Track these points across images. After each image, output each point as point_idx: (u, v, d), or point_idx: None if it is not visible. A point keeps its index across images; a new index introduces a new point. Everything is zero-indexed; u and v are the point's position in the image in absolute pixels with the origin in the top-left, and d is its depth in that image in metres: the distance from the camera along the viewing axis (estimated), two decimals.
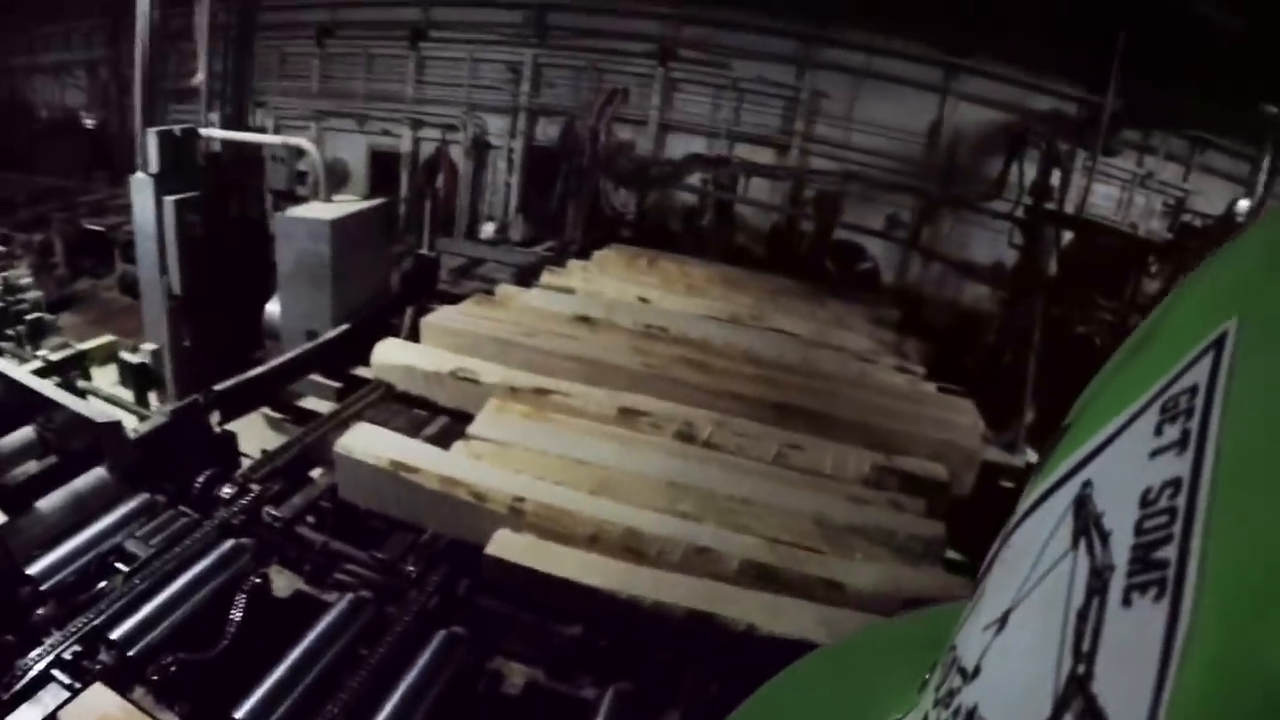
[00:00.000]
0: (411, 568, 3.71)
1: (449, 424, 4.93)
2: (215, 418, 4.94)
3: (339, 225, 5.96)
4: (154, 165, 6.63)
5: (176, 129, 6.85)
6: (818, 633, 3.25)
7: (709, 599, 3.37)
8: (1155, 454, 0.37)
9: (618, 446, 4.41)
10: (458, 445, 4.31)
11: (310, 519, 4.26)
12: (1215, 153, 10.11)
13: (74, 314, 9.94)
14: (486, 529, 3.73)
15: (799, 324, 6.57)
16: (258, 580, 3.71)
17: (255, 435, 5.31)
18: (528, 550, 3.56)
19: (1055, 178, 8.61)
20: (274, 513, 4.14)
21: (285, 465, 4.56)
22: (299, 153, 9.12)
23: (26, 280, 8.66)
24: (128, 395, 6.07)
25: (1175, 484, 0.35)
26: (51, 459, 4.88)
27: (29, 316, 6.34)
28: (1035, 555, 0.43)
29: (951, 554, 5.31)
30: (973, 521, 5.25)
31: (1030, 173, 8.73)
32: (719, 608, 3.33)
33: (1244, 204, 7.79)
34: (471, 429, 4.46)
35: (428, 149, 13.40)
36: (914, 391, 5.59)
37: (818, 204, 10.55)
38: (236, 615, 3.52)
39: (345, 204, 6.39)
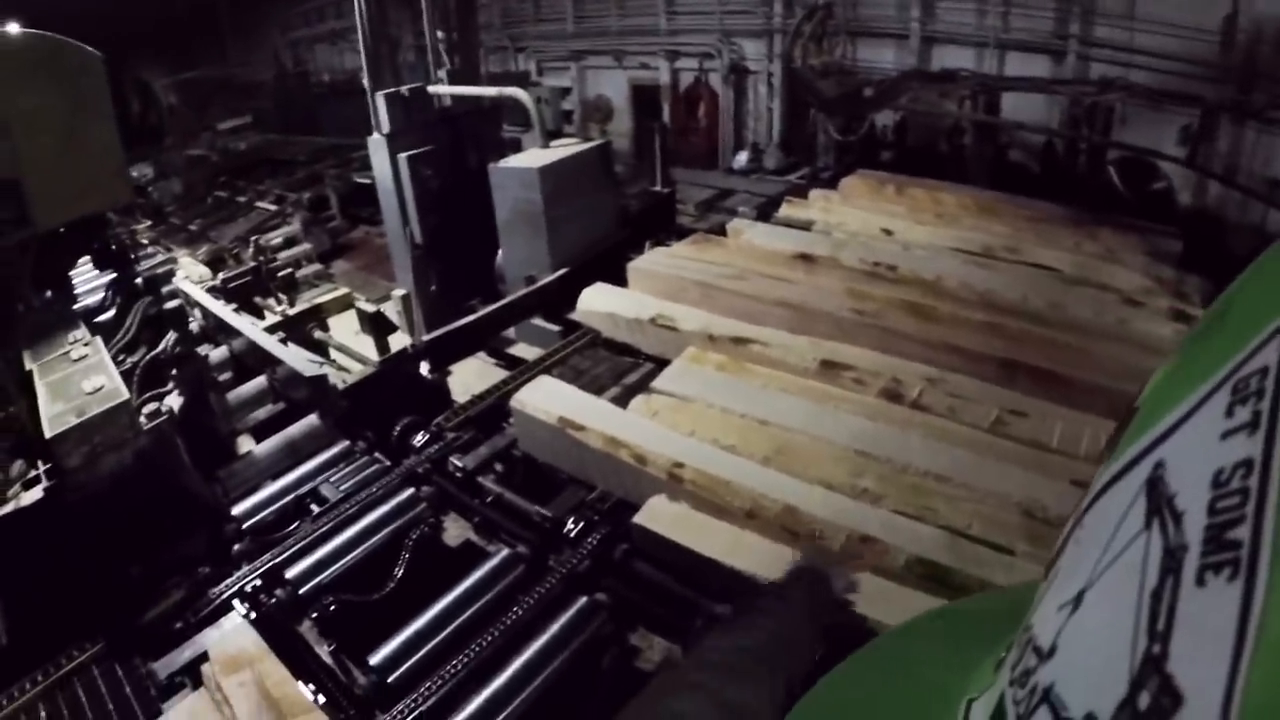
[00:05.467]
0: (571, 526, 3.58)
1: (652, 371, 4.72)
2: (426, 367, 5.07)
3: (549, 172, 5.85)
4: (386, 125, 6.97)
5: (404, 89, 7.11)
6: None
7: (865, 598, 2.87)
8: (1226, 435, 0.37)
9: (811, 405, 3.99)
10: (637, 400, 4.09)
11: (499, 467, 4.24)
12: None
13: (347, 260, 10.80)
14: (647, 492, 3.51)
15: (1060, 257, 5.68)
16: (426, 529, 3.78)
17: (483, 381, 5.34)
18: (676, 522, 3.29)
19: None
20: (457, 463, 4.16)
21: (480, 414, 4.56)
22: (564, 92, 9.18)
23: (296, 235, 9.54)
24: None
25: (1247, 465, 0.35)
26: (280, 405, 5.27)
27: (281, 273, 6.87)
28: (1109, 535, 0.43)
29: None
30: None
31: None
32: (873, 610, 2.83)
33: None
34: (657, 382, 4.23)
35: (687, 79, 13.17)
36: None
37: (1090, 116, 9.10)
38: (401, 562, 3.60)
39: (560, 149, 6.27)
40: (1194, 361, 0.44)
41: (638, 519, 3.34)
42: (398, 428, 4.47)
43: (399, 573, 3.57)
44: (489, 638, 3.10)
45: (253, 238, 7.89)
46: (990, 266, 5.48)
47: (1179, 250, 5.96)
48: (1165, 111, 8.66)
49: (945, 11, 10.80)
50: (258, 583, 3.51)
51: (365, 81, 7.53)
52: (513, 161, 6.19)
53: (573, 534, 3.54)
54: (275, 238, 9.79)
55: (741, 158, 11.75)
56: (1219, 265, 6.14)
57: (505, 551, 3.54)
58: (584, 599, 3.21)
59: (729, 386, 4.17)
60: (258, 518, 3.98)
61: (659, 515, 3.34)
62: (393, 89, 7.16)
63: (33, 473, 3.51)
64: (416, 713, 2.85)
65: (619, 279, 5.52)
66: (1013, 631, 0.56)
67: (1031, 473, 3.55)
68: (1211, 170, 8.21)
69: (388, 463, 4.25)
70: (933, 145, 9.70)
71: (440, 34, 7.76)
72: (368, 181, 9.55)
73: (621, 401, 4.23)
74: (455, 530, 3.90)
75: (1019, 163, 9.64)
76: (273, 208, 11.48)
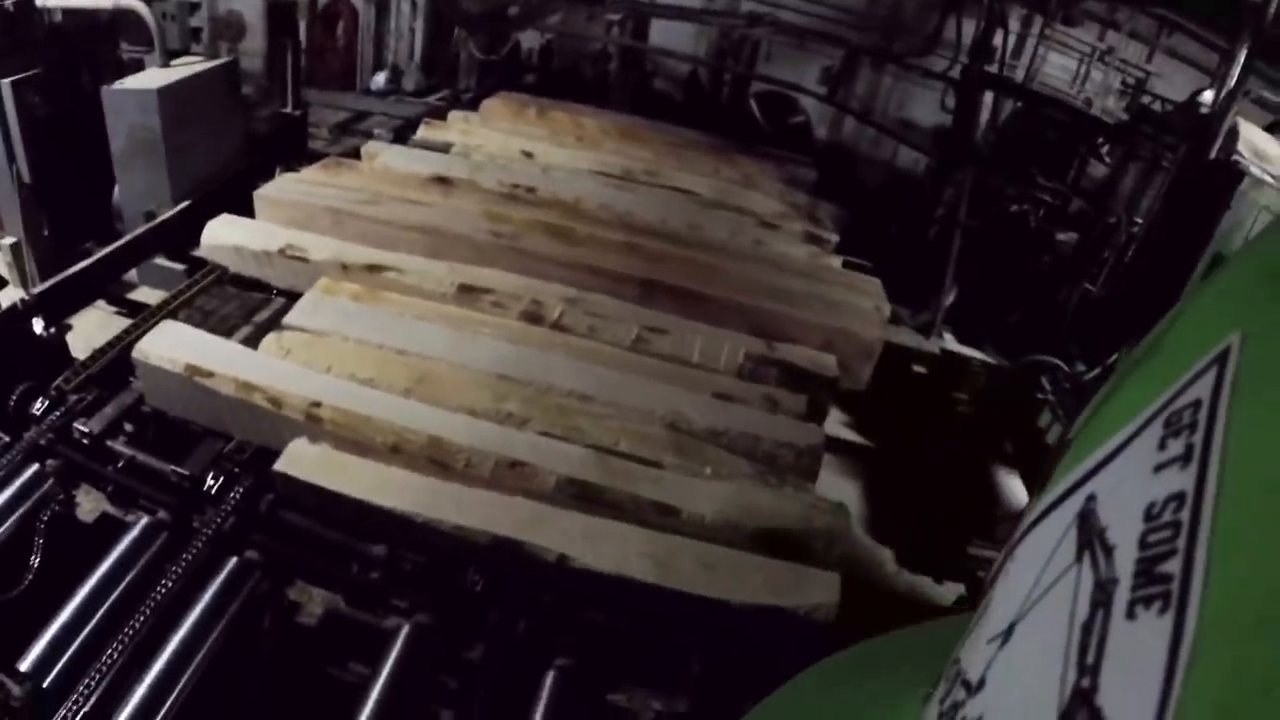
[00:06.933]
0: (211, 482, 3.41)
1: (284, 307, 4.45)
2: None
3: (169, 94, 5.38)
4: None
5: (8, 1, 6.18)
6: (641, 565, 2.93)
7: (519, 523, 3.03)
8: (1159, 468, 0.37)
9: (450, 332, 4.00)
10: (267, 339, 3.89)
11: (129, 427, 3.94)
12: (1184, 37, 9.51)
13: None
14: (286, 436, 3.40)
15: (699, 182, 6.03)
16: (57, 507, 3.45)
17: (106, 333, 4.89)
18: (318, 465, 3.21)
19: (998, 39, 7.84)
20: (82, 428, 3.81)
21: (104, 370, 4.17)
22: (191, 8, 8.40)
23: None
24: None
25: (1179, 498, 0.35)
26: None
27: None
28: (1040, 569, 0.43)
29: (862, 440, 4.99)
30: (879, 407, 4.96)
31: (970, 30, 7.96)
32: (529, 534, 2.99)
33: (1208, 95, 7.13)
34: (288, 318, 4.04)
35: None
36: (814, 267, 5.10)
37: (736, 49, 9.67)
38: (36, 550, 3.28)
39: (182, 69, 5.76)
40: (1128, 394, 0.44)
41: (279, 466, 3.23)
42: (13, 397, 4.02)
43: (35, 561, 3.26)
44: (142, 617, 2.91)
45: None
46: (630, 189, 5.70)
47: (813, 179, 6.56)
48: (810, 51, 9.38)
49: None
50: None
51: None
52: (129, 83, 5.59)
53: (213, 490, 3.38)
54: None
55: (380, 79, 11.23)
56: (850, 192, 6.84)
57: (145, 519, 3.32)
58: (234, 559, 3.09)
59: (365, 317, 4.06)
60: None
61: (300, 460, 3.25)
62: None
63: None
64: (80, 714, 2.64)
65: (247, 209, 5.15)
66: (941, 664, 0.55)
67: (674, 387, 3.80)
68: (850, 108, 9.01)
69: (6, 438, 3.82)
70: (578, 69, 9.79)
71: None
72: None
73: (253, 342, 4.01)
74: (89, 504, 3.60)
75: (663, 91, 9.94)
76: None
